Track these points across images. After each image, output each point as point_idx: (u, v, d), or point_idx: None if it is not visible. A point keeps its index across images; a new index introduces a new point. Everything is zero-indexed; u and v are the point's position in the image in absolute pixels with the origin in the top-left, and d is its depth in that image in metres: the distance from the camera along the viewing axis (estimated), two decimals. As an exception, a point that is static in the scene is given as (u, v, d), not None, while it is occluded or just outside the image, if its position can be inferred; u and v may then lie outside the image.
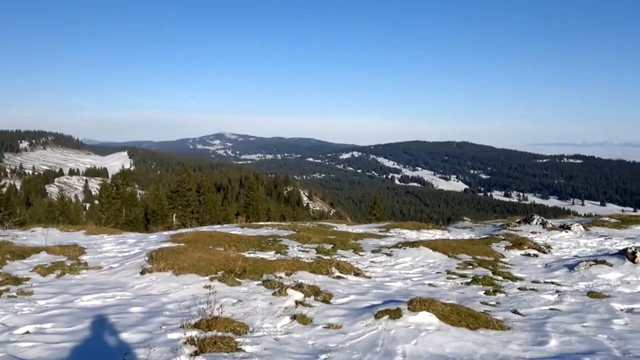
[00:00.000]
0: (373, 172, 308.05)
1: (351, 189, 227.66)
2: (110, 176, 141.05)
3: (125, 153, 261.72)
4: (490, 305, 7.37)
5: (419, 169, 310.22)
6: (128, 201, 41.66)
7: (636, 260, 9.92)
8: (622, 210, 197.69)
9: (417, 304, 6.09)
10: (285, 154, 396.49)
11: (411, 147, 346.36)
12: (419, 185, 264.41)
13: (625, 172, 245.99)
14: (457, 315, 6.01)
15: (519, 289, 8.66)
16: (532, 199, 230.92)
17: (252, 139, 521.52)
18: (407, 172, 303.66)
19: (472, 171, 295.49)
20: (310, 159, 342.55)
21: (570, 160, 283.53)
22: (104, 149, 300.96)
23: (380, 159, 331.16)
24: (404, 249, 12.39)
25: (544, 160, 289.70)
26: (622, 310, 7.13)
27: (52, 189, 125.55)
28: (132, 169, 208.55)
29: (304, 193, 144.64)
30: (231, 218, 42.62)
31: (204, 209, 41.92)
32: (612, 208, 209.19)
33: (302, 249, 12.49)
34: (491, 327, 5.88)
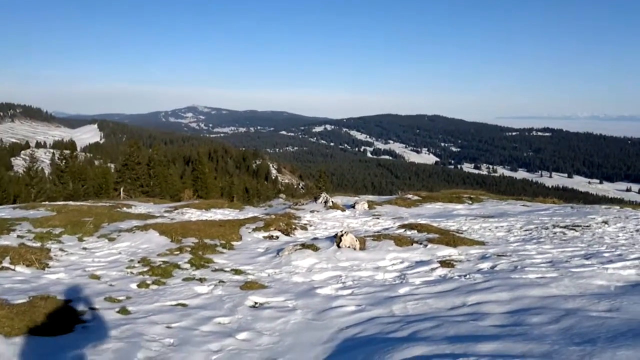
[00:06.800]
0: (345, 145, 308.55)
1: (323, 162, 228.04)
2: (78, 149, 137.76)
3: (95, 126, 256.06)
4: (116, 301, 6.15)
5: (391, 142, 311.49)
6: (76, 175, 41.13)
7: (341, 244, 9.15)
8: (589, 182, 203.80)
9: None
10: (259, 127, 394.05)
11: (383, 120, 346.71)
12: (391, 158, 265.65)
13: (592, 145, 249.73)
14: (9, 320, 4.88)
15: (185, 279, 7.51)
16: (501, 171, 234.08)
17: (225, 112, 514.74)
18: (379, 145, 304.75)
19: (443, 144, 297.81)
20: (284, 132, 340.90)
21: (539, 133, 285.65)
22: (75, 122, 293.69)
23: (353, 132, 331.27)
24: (133, 232, 11.36)
25: (513, 134, 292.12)
26: (252, 305, 6.04)
27: (18, 162, 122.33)
28: (102, 142, 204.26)
29: (273, 166, 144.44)
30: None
31: (154, 183, 41.72)
32: (579, 180, 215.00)
33: (26, 233, 11.09)
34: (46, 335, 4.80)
